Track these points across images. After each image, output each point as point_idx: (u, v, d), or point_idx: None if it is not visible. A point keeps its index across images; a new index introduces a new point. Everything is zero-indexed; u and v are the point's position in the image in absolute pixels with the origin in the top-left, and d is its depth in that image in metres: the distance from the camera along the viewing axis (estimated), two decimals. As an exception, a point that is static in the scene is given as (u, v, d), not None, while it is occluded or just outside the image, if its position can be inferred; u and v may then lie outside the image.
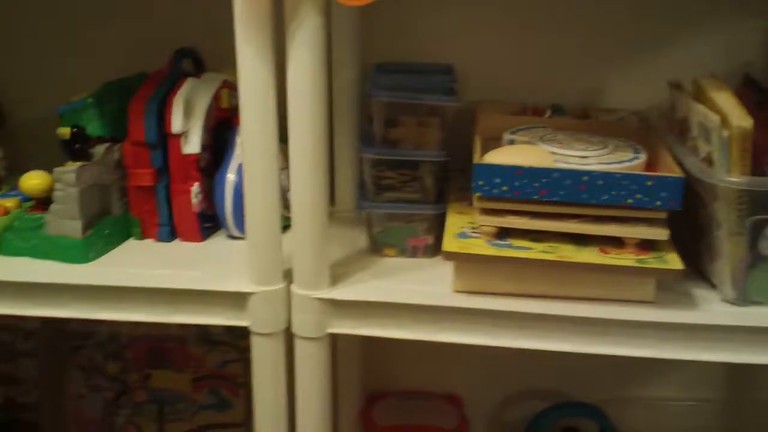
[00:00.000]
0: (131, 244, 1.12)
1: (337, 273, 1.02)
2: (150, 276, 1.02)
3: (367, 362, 1.38)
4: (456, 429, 1.34)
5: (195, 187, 1.09)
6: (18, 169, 1.20)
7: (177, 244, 1.12)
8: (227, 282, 1.00)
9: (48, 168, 1.09)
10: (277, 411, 1.03)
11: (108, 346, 1.37)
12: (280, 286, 0.99)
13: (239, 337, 1.33)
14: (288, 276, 1.00)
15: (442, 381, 1.43)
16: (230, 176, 1.10)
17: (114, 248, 1.10)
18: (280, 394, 1.03)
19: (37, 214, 1.08)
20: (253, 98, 0.92)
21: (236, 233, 1.11)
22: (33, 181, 1.08)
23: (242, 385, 1.36)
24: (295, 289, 0.99)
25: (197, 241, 1.12)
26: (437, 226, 1.07)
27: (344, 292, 0.99)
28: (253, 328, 1.00)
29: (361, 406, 1.38)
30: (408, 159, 1.06)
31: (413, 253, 1.08)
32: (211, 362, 1.36)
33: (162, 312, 1.01)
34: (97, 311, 1.02)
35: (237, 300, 0.99)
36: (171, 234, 1.12)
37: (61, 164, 1.07)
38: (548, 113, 1.18)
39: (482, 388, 1.43)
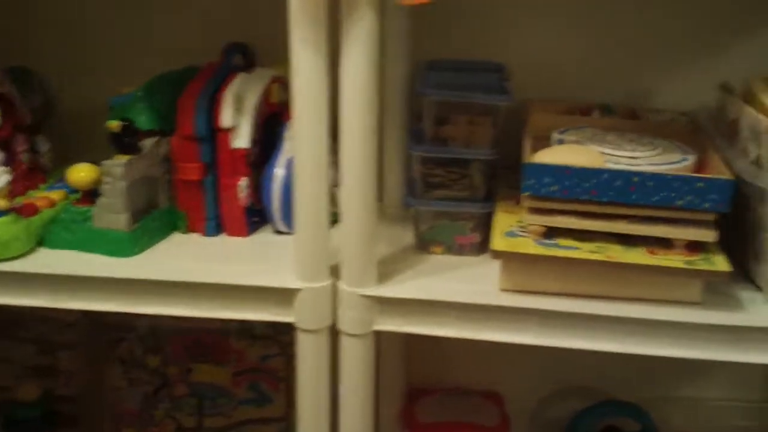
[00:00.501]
0: (177, 237, 1.12)
1: (384, 270, 1.02)
2: (195, 270, 1.02)
3: (409, 359, 1.38)
4: (497, 426, 1.34)
5: (243, 182, 1.09)
6: (63, 160, 1.21)
7: (223, 239, 1.12)
8: (274, 277, 1.00)
9: (94, 160, 1.09)
10: (319, 407, 1.03)
11: (148, 339, 1.37)
12: (327, 282, 0.99)
13: (281, 332, 1.33)
14: (335, 272, 1.00)
15: (484, 378, 1.42)
16: (278, 171, 1.10)
17: (159, 242, 1.10)
18: (323, 390, 1.03)
19: (84, 207, 1.08)
20: (306, 95, 0.92)
21: (283, 228, 1.11)
22: (80, 173, 1.08)
23: (283, 379, 1.36)
24: (342, 285, 0.99)
25: (243, 236, 1.12)
26: (485, 225, 1.07)
27: (391, 289, 0.99)
28: (299, 325, 1.00)
29: (402, 403, 1.38)
30: (458, 157, 1.06)
31: (460, 250, 1.08)
32: (253, 356, 1.36)
33: (207, 307, 1.01)
34: (142, 305, 1.02)
35: (283, 296, 0.99)
36: (217, 228, 1.12)
37: (108, 156, 1.07)
38: (596, 113, 1.18)
39: (523, 386, 1.43)
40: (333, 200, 1.02)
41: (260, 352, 1.36)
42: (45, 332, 1.39)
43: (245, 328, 1.35)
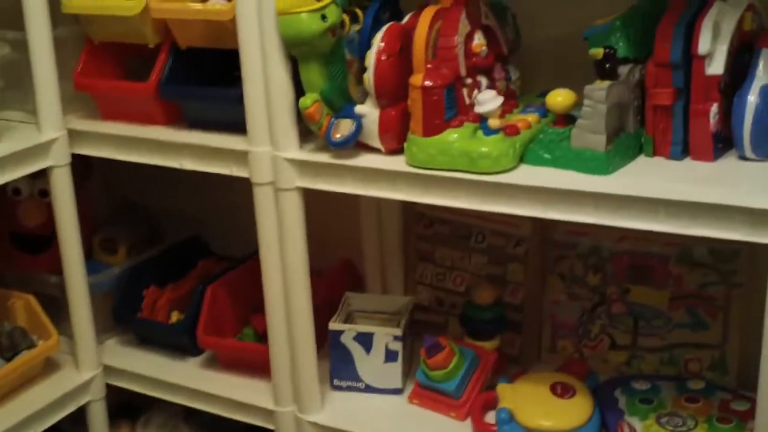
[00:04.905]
0: (642, 160, 1.18)
1: None
2: (668, 188, 1.07)
3: None
4: None
5: (714, 108, 1.12)
6: (527, 88, 1.31)
7: (687, 163, 1.16)
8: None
9: (553, 86, 1.19)
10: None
11: (590, 258, 1.45)
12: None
13: (722, 261, 1.36)
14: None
15: None
16: (751, 98, 1.11)
17: (628, 163, 1.16)
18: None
19: (561, 129, 1.17)
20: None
21: (751, 155, 1.12)
22: (558, 98, 1.17)
23: (721, 308, 1.39)
24: None
25: (709, 161, 1.15)
26: None
27: None
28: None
29: None
30: None
31: None
32: (691, 283, 1.40)
33: (679, 224, 1.06)
34: (617, 219, 1.10)
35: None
36: (683, 152, 1.16)
37: (563, 85, 1.17)
38: None
39: None
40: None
41: (699, 280, 1.39)
42: (499, 245, 1.51)
43: (685, 253, 1.38)
